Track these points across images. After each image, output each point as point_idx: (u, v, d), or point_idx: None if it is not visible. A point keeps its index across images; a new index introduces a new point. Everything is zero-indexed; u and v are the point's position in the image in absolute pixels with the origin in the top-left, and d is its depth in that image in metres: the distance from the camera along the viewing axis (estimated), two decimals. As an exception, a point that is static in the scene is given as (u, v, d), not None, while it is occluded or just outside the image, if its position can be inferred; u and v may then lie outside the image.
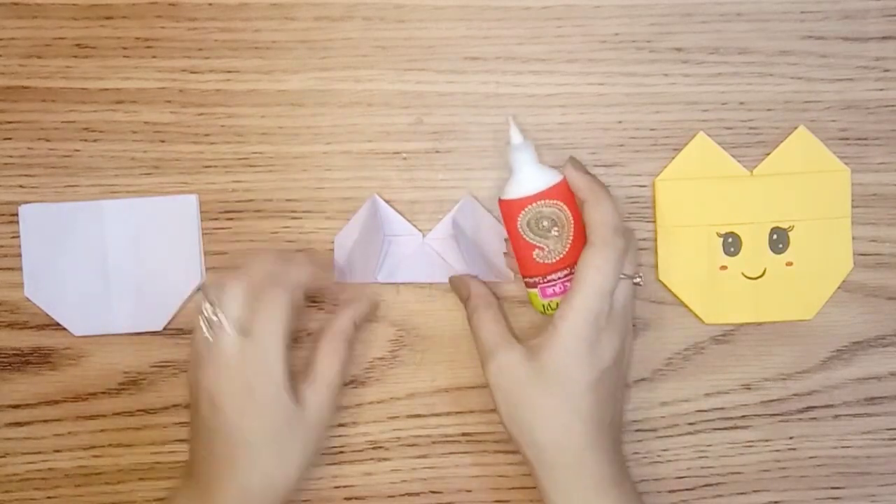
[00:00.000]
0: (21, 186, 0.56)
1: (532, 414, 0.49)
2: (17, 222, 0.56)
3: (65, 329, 0.56)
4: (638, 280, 0.51)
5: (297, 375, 0.51)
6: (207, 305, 0.49)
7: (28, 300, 0.56)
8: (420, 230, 0.56)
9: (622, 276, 0.50)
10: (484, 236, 0.56)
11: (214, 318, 0.49)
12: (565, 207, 0.51)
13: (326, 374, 0.51)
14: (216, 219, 0.56)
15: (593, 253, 0.49)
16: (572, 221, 0.51)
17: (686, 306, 0.56)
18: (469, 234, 0.55)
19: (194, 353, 0.50)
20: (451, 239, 0.55)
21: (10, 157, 0.56)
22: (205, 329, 0.49)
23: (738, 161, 0.56)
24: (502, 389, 0.50)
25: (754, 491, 0.57)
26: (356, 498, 0.57)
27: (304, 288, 0.51)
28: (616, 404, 0.51)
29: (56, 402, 0.57)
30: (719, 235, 0.56)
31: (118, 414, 0.57)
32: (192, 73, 0.56)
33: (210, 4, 0.56)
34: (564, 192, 0.51)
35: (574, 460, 0.49)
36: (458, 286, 0.54)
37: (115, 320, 0.56)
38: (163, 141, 0.56)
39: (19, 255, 0.56)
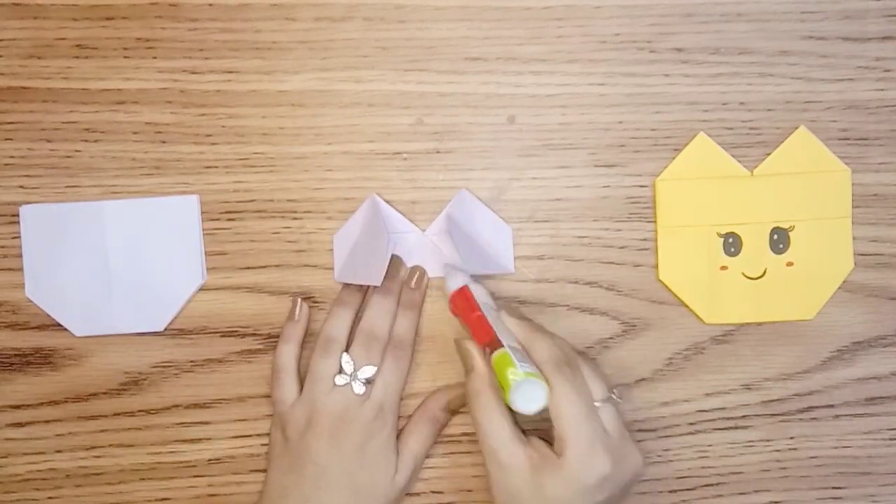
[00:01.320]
0: (22, 187, 0.56)
1: None
2: (18, 223, 0.56)
3: (66, 329, 0.56)
4: (616, 398, 0.51)
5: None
6: (350, 363, 0.53)
7: (29, 300, 0.56)
8: (421, 229, 0.56)
9: (598, 402, 0.49)
10: (481, 228, 0.56)
11: (357, 377, 0.53)
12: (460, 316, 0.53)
13: (414, 450, 0.55)
14: (217, 219, 0.56)
15: (550, 390, 0.48)
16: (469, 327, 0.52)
17: (686, 306, 0.56)
18: (465, 227, 0.55)
19: (313, 393, 0.53)
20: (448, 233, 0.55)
21: (11, 157, 0.56)
22: (347, 383, 0.52)
23: (739, 161, 0.56)
24: (502, 485, 0.49)
25: (755, 491, 0.57)
26: (357, 498, 0.57)
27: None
28: None
29: (57, 402, 0.57)
30: (720, 235, 0.56)
31: (119, 414, 0.57)
32: (192, 73, 0.56)
33: (210, 5, 0.56)
34: (454, 302, 0.53)
35: None
36: (464, 355, 0.52)
37: (116, 321, 0.56)
38: (164, 141, 0.56)
39: (20, 256, 0.56)
